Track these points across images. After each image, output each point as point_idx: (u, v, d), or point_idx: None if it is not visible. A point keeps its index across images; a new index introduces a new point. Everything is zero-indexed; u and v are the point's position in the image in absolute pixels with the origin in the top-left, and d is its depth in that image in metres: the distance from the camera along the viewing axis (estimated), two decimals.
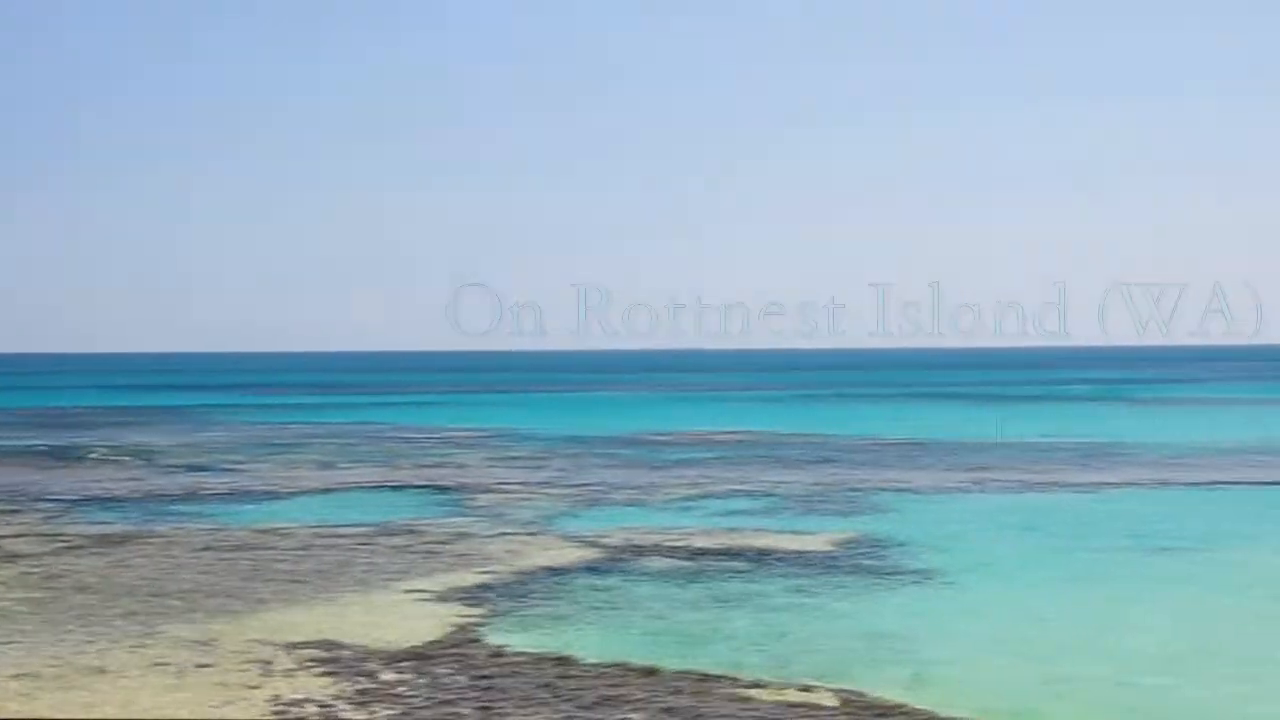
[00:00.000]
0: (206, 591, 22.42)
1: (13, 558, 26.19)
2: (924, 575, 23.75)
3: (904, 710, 14.87)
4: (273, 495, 38.10)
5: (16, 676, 16.40)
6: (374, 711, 14.87)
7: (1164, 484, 38.42)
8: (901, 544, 27.28)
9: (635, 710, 14.86)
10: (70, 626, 19.49)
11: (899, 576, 23.63)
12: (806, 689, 15.69)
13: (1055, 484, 38.84)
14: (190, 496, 37.86)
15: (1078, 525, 30.21)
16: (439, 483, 40.87)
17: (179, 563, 25.58)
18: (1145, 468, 42.69)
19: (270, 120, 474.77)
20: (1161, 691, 15.75)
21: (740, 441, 57.37)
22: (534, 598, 21.77)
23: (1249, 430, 60.10)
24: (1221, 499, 34.87)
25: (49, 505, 35.52)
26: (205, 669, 16.84)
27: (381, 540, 28.45)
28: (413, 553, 26.72)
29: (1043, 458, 46.73)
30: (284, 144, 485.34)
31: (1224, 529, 29.36)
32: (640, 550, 26.71)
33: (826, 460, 47.25)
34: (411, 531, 29.83)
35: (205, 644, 18.27)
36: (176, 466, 47.27)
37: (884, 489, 37.75)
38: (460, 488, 39.29)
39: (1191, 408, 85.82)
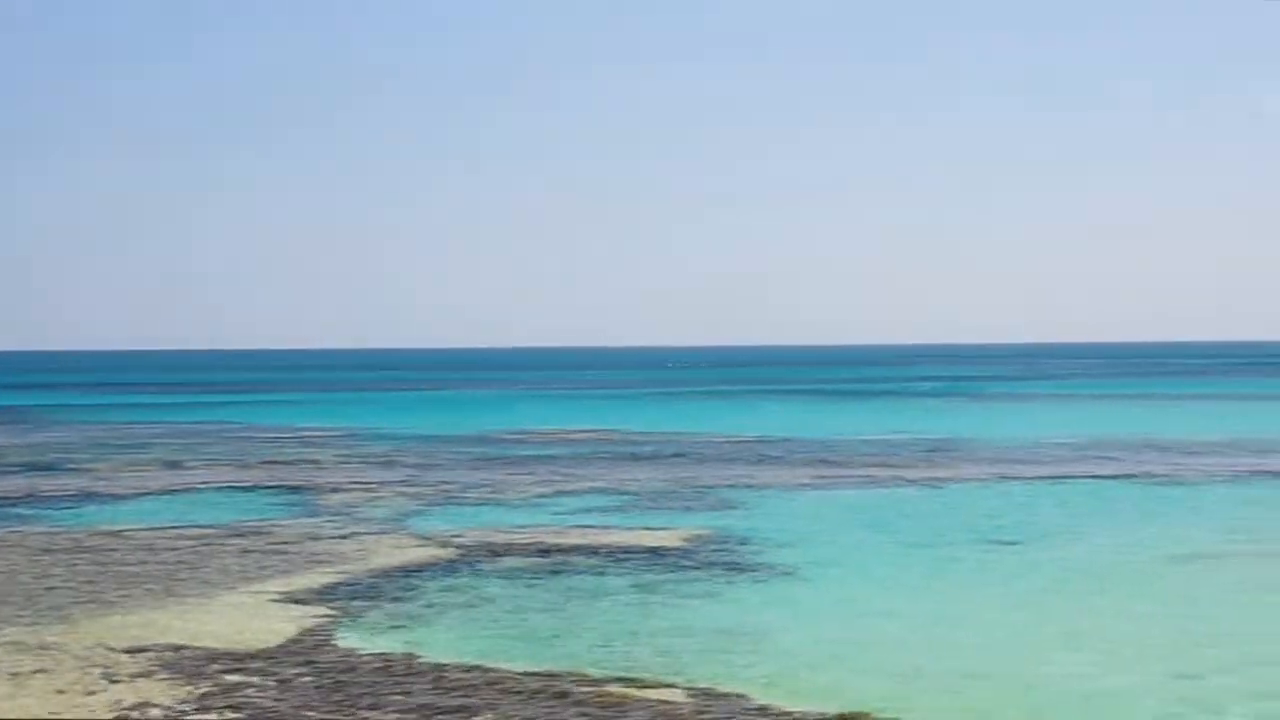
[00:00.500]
0: (45, 595, 21.81)
1: None
2: (774, 571, 24.07)
3: (756, 705, 15.02)
4: (116, 497, 37.19)
5: None
6: (220, 715, 14.62)
7: (1004, 478, 39.44)
8: (752, 540, 27.62)
9: (486, 710, 14.82)
10: None
11: (750, 572, 23.92)
12: (659, 686, 15.79)
13: (901, 480, 39.63)
14: (28, 499, 36.77)
15: (922, 520, 30.89)
16: (289, 482, 40.28)
17: (16, 566, 24.84)
18: (986, 463, 43.75)
19: None
20: (1006, 679, 16.18)
21: (593, 439, 57.50)
22: (385, 598, 21.59)
23: (1086, 425, 61.82)
24: (1057, 492, 35.89)
25: None
26: (44, 674, 16.39)
27: (229, 541, 27.97)
28: (261, 554, 26.31)
29: (889, 453, 47.60)
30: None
31: (1059, 521, 30.22)
32: (493, 549, 26.65)
33: (678, 457, 47.59)
34: (260, 532, 29.37)
35: (44, 649, 17.78)
36: (13, 468, 45.85)
37: (735, 485, 38.17)
38: (311, 487, 38.78)
39: (1033, 403, 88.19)
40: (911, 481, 39.16)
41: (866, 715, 14.60)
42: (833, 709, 14.82)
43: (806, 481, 39.46)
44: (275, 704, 15.09)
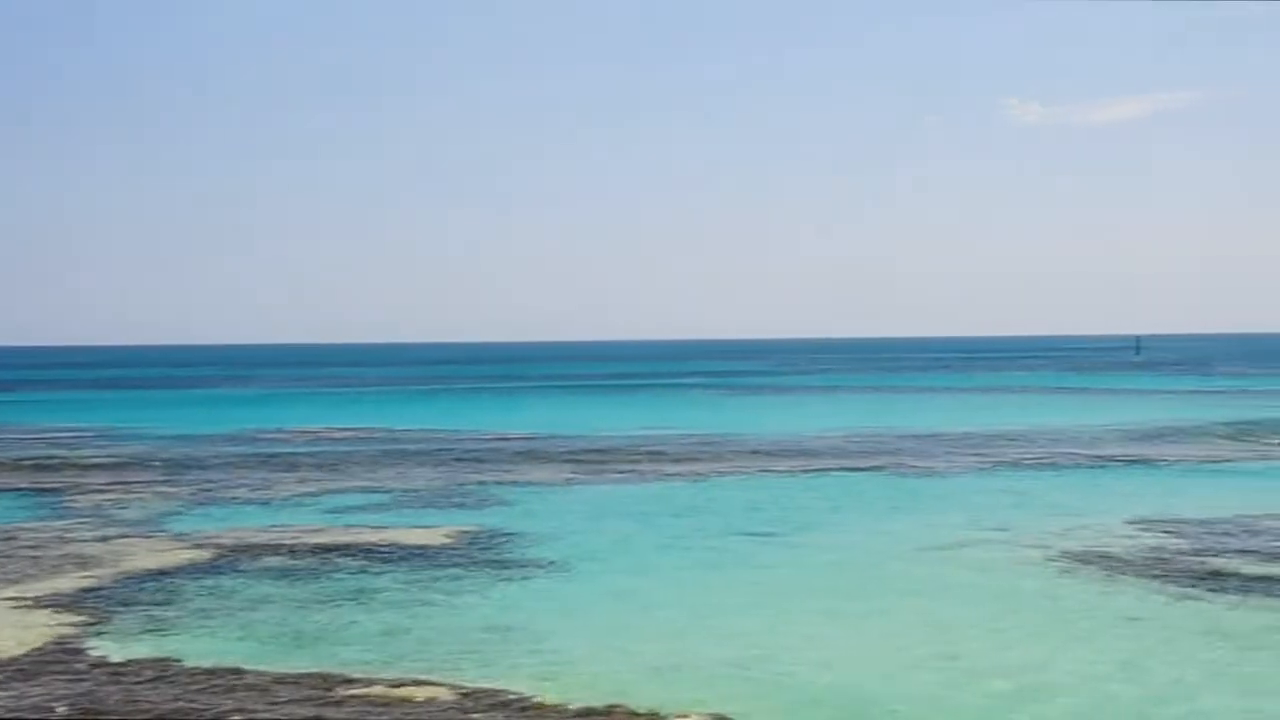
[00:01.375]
0: None
1: None
2: (542, 566, 24.25)
3: (523, 701, 15.13)
4: None
5: None
6: None
7: (764, 471, 40.47)
8: (519, 536, 27.75)
9: (240, 713, 14.59)
10: None
11: (517, 569, 24.04)
12: (424, 684, 15.78)
13: (665, 474, 40.28)
14: None
15: (686, 513, 31.47)
16: (39, 484, 38.67)
17: None
18: (747, 456, 44.77)
19: None
20: (766, 668, 16.65)
21: (358, 437, 56.75)
22: (141, 602, 20.98)
23: (843, 418, 63.67)
24: (815, 485, 36.99)
25: None
26: None
27: None
28: (7, 558, 25.23)
29: (654, 448, 48.25)
30: None
31: (817, 514, 31.17)
32: (255, 549, 26.13)
33: (445, 454, 47.33)
34: (7, 536, 28.16)
35: None
36: None
37: (501, 482, 38.22)
38: (62, 488, 37.31)
39: (793, 397, 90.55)
40: (675, 475, 39.83)
41: (621, 708, 14.88)
42: (599, 702, 15.04)
43: (572, 477, 39.77)
44: (21, 715, 14.54)
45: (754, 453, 45.98)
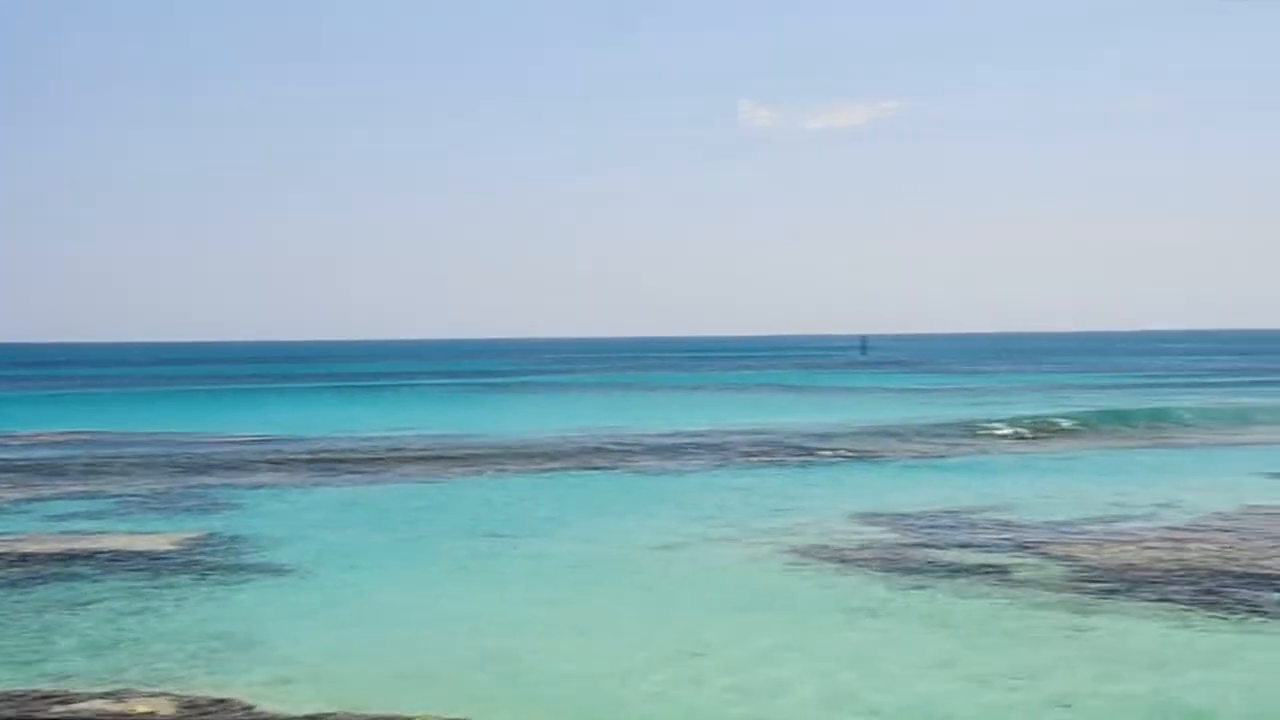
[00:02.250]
0: None
1: None
2: (273, 571, 23.59)
3: (251, 710, 14.67)
4: None
5: None
6: None
7: (502, 471, 40.39)
8: (250, 540, 26.95)
9: None
10: None
11: (248, 574, 23.33)
12: (144, 696, 15.13)
13: (404, 475, 39.77)
14: None
15: (421, 515, 31.09)
16: None
17: None
18: (486, 455, 44.55)
19: None
20: (503, 667, 16.56)
21: (79, 440, 54.22)
22: None
23: (581, 417, 64.07)
24: (552, 484, 37.06)
25: None
26: None
27: None
28: None
29: (394, 448, 47.60)
30: None
31: (554, 513, 31.21)
32: None
33: (174, 457, 45.64)
34: None
35: None
36: None
37: (232, 485, 37.06)
38: None
39: (534, 395, 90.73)
40: (414, 476, 39.36)
41: (354, 713, 14.59)
42: (331, 708, 14.71)
43: (308, 479, 38.86)
44: None
45: (493, 452, 45.78)
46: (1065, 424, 53.89)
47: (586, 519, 30.21)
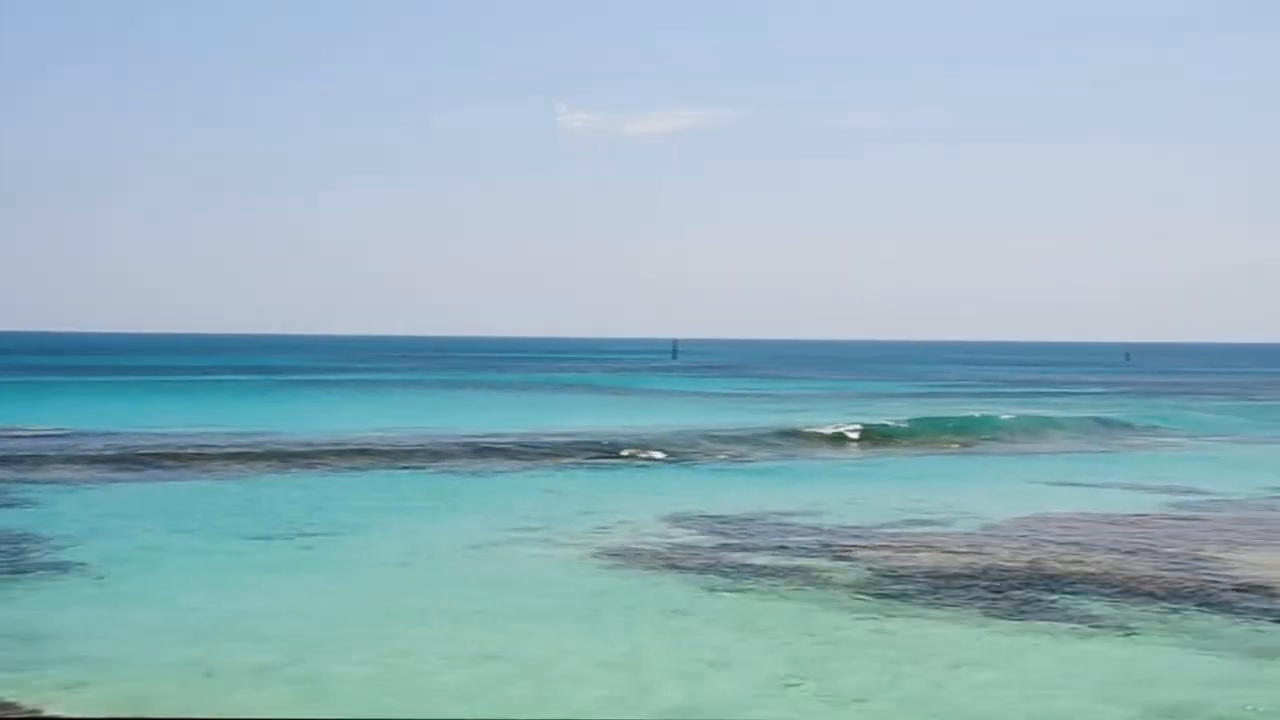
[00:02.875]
0: None
1: None
2: (68, 570, 22.80)
3: (38, 712, 14.19)
4: None
5: None
6: None
7: (310, 468, 39.82)
8: (45, 539, 26.01)
9: None
10: None
11: (41, 573, 22.51)
12: None
13: (209, 471, 38.89)
14: None
15: (227, 513, 30.43)
16: None
17: None
18: (296, 453, 43.73)
19: None
20: (301, 669, 16.30)
21: None
22: None
23: (389, 415, 63.28)
24: (362, 482, 36.66)
25: None
26: None
27: None
28: None
29: (201, 444, 46.36)
30: None
31: (363, 512, 30.81)
32: None
33: None
34: None
35: None
36: None
37: (27, 481, 35.71)
38: None
39: (348, 392, 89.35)
40: (219, 473, 38.51)
41: (147, 715, 14.22)
42: (124, 710, 14.30)
43: (106, 475, 37.68)
44: None
45: (301, 450, 44.89)
46: (877, 430, 55.09)
47: (395, 519, 29.89)
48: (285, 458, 42.86)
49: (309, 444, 47.04)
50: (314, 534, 27.47)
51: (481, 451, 45.56)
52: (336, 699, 15.19)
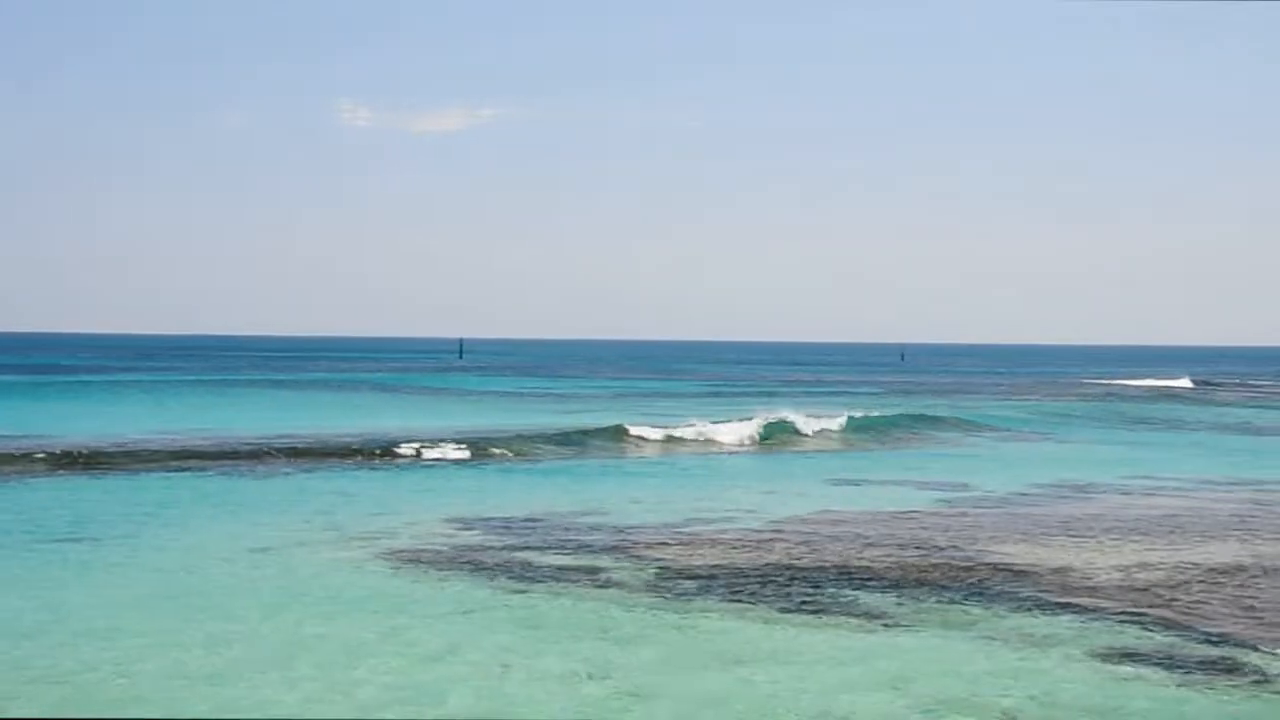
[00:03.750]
0: None
1: None
2: None
3: None
4: None
5: None
6: None
7: (81, 473, 38.36)
8: None
9: None
10: None
11: None
12: None
13: None
14: None
15: None
16: None
17: None
18: (64, 456, 42.03)
19: None
20: (81, 679, 15.73)
21: None
22: None
23: (168, 415, 61.40)
24: (138, 485, 35.50)
25: None
26: None
27: None
28: None
29: None
30: None
31: (141, 517, 29.86)
32: None
33: None
34: None
35: None
36: None
37: None
38: None
39: (120, 391, 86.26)
40: None
41: None
42: None
43: None
44: None
45: (70, 453, 43.10)
46: (663, 429, 55.59)
47: (174, 523, 29.01)
48: (53, 461, 41.13)
49: (80, 446, 45.25)
50: (85, 541, 26.41)
51: (263, 452, 44.49)
52: (115, 704, 14.67)
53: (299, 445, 46.82)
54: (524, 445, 49.27)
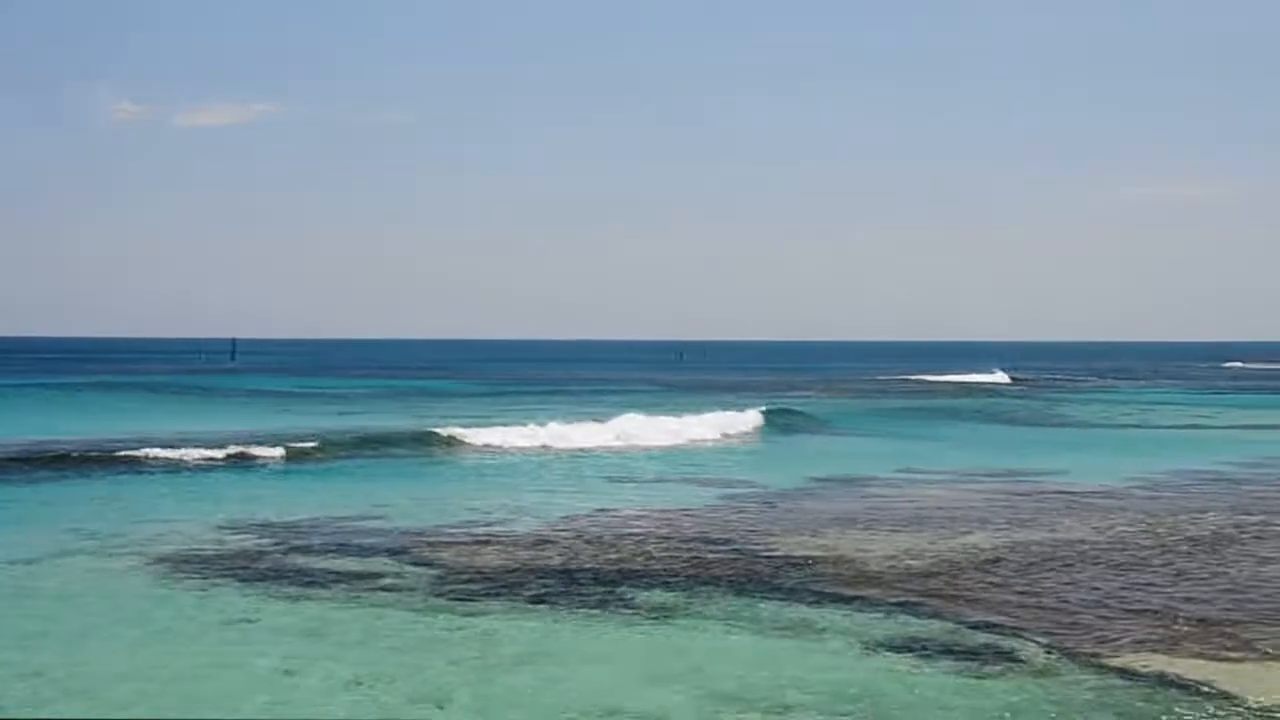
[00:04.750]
0: None
1: None
2: None
3: None
4: None
5: None
6: None
7: None
8: None
9: None
10: None
11: None
12: None
13: None
14: None
15: None
16: None
17: None
18: None
19: None
20: None
21: None
22: None
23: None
24: None
25: None
26: None
27: None
28: None
29: None
30: None
31: None
32: None
33: None
34: None
35: None
36: None
37: None
38: None
39: None
40: None
41: None
42: None
43: None
44: None
45: None
46: (423, 431, 54.94)
47: None
48: None
49: None
50: None
51: (20, 459, 42.40)
52: None
53: (61, 450, 44.73)
54: (297, 445, 48.08)
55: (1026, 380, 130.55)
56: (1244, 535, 28.59)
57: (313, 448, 48.19)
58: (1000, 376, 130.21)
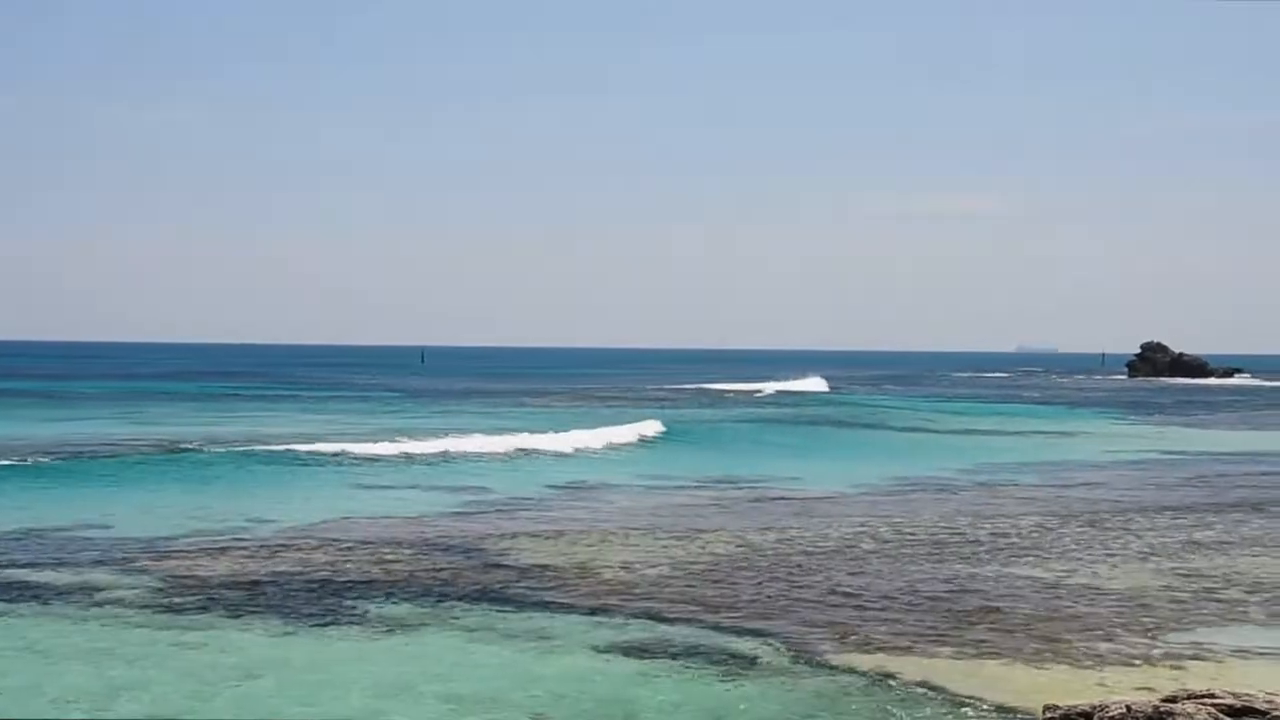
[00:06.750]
0: None
1: None
2: None
3: None
4: None
5: None
6: None
7: None
8: None
9: None
10: None
11: None
12: None
13: None
14: None
15: None
16: None
17: None
18: None
19: None
20: None
21: None
22: None
23: None
24: None
25: None
26: None
27: None
28: None
29: None
30: None
31: None
32: None
33: None
34: None
35: None
36: None
37: None
38: None
39: None
40: None
41: None
42: None
43: None
44: None
45: None
46: (170, 434, 52.96)
47: None
48: None
49: None
50: None
51: None
52: None
53: None
54: (6, 455, 45.52)
55: (843, 389, 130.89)
56: (955, 539, 29.84)
57: (22, 455, 45.73)
58: (819, 383, 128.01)
